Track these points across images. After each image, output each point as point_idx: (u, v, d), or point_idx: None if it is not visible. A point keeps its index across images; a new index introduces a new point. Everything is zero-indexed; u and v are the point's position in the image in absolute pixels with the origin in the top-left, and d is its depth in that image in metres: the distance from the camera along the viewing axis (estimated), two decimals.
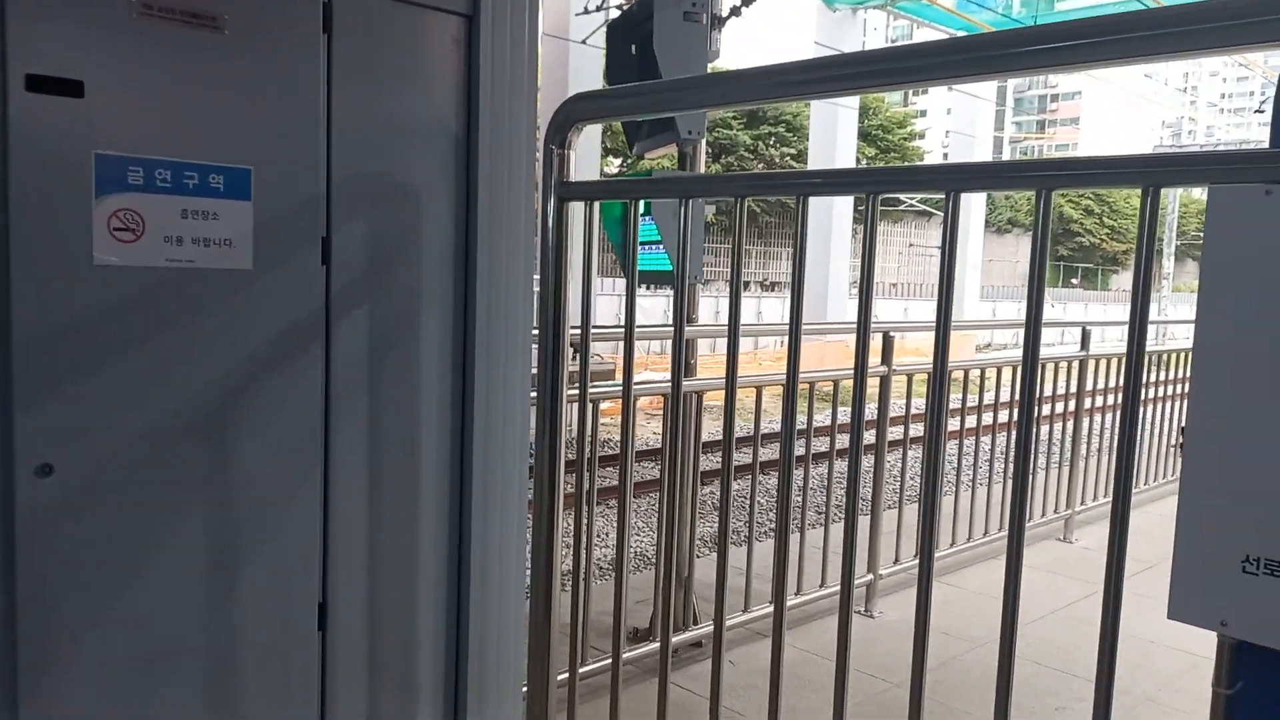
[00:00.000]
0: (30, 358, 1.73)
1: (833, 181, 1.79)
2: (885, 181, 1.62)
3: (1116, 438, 1.35)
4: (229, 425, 1.98)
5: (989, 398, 5.08)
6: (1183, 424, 6.72)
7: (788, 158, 33.98)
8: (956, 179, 1.50)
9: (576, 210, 2.10)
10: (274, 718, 2.12)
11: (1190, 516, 1.23)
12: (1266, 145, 1.20)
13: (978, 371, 5.13)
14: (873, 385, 4.32)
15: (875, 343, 4.18)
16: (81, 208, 1.75)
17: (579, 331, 2.25)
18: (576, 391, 2.22)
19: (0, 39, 1.65)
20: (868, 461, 5.25)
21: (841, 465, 5.02)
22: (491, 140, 2.25)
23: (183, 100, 1.85)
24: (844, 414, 8.37)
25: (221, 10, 1.87)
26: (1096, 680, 1.40)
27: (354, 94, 2.07)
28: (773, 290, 31.51)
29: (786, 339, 1.75)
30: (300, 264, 2.03)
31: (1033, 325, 1.43)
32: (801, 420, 4.01)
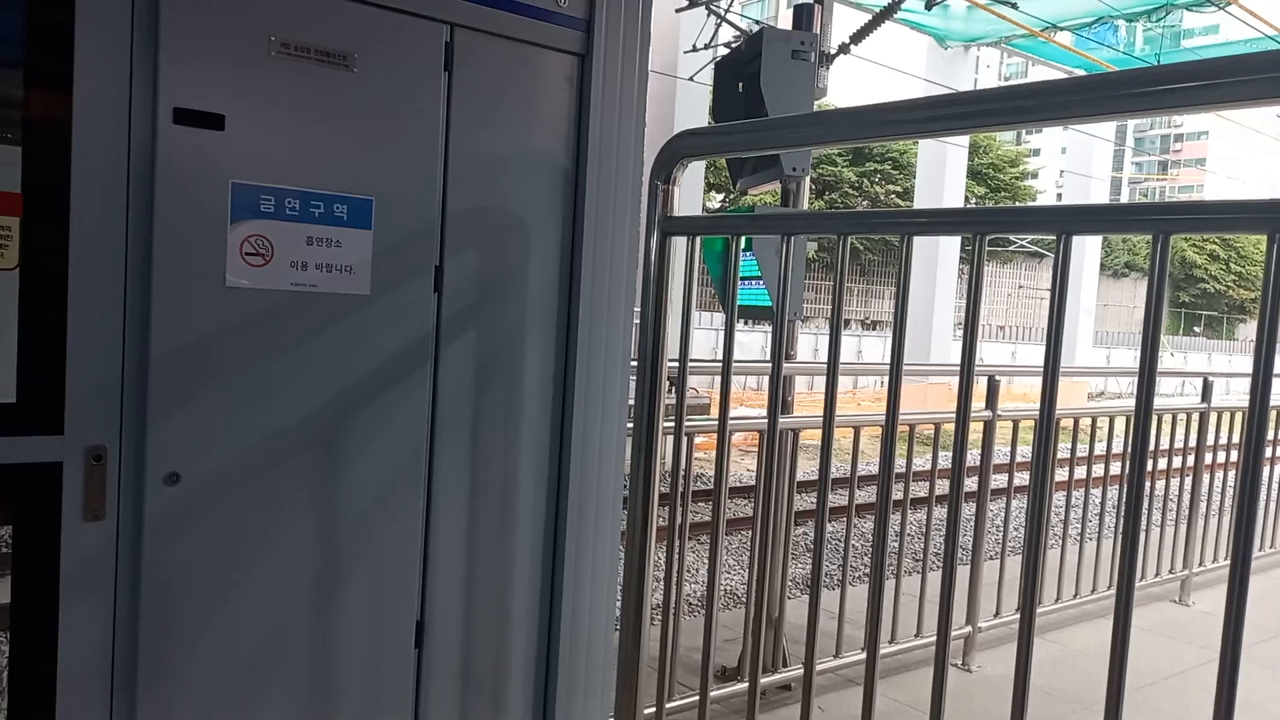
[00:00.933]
0: (165, 372, 1.85)
1: (939, 221, 1.78)
2: (993, 222, 1.59)
3: (1237, 494, 1.29)
4: (341, 442, 2.07)
5: (1100, 448, 4.87)
6: None
7: (893, 195, 33.52)
8: (1068, 221, 1.47)
9: (679, 244, 2.13)
10: None
11: None
12: None
13: (1088, 420, 4.93)
14: (976, 430, 4.20)
15: (980, 387, 4.08)
16: (218, 233, 1.87)
17: (676, 364, 2.27)
18: (672, 424, 2.24)
19: (152, 76, 1.79)
20: (969, 509, 5.10)
21: (941, 512, 4.88)
22: (599, 175, 2.31)
23: (313, 133, 1.96)
24: (945, 459, 8.15)
25: (352, 49, 1.98)
26: None
27: (470, 129, 2.15)
28: (874, 329, 31.00)
29: (887, 379, 1.73)
30: (414, 291, 2.11)
31: (1147, 374, 1.38)
32: (900, 463, 3.94)
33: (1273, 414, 5.74)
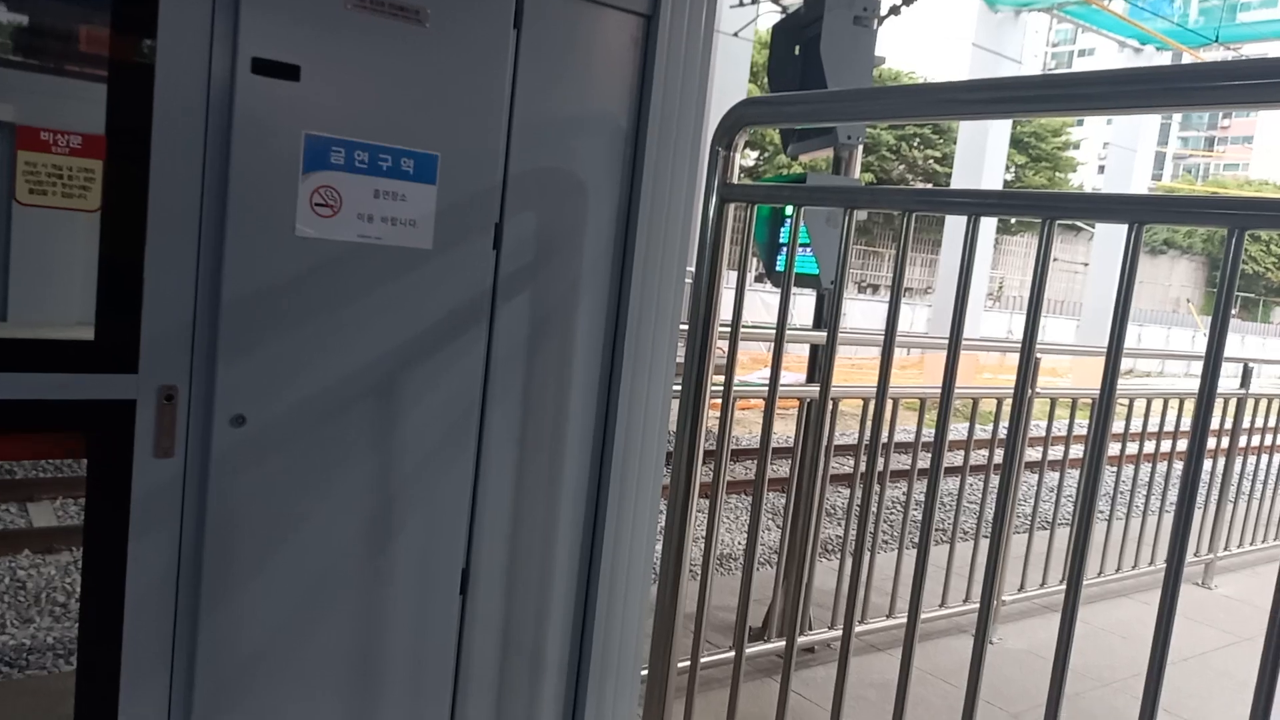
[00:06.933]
0: (235, 316, 1.90)
1: (1007, 203, 1.78)
2: (1063, 207, 1.59)
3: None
4: (399, 392, 2.12)
5: (1129, 426, 4.87)
6: None
7: (931, 160, 33.04)
8: (1140, 210, 1.47)
9: (732, 210, 2.14)
10: (412, 668, 2.27)
11: None
12: None
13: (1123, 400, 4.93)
14: (1004, 405, 4.19)
15: (1000, 360, 4.07)
16: (290, 182, 1.90)
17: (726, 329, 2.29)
18: (718, 388, 2.27)
19: (233, 24, 1.81)
20: (997, 483, 5.11)
21: (969, 484, 4.89)
22: (659, 138, 2.32)
23: (384, 87, 1.99)
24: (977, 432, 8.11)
25: (424, 4, 1.99)
26: None
27: (536, 88, 2.16)
28: (907, 296, 30.76)
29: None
30: (474, 247, 2.14)
31: (1212, 364, 1.40)
32: (931, 434, 3.96)
33: None
